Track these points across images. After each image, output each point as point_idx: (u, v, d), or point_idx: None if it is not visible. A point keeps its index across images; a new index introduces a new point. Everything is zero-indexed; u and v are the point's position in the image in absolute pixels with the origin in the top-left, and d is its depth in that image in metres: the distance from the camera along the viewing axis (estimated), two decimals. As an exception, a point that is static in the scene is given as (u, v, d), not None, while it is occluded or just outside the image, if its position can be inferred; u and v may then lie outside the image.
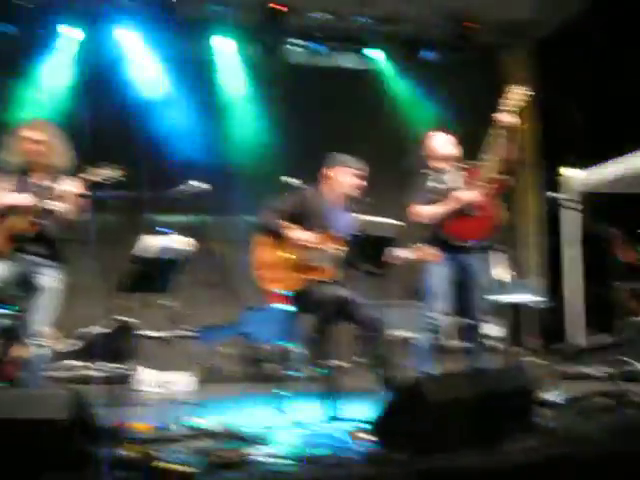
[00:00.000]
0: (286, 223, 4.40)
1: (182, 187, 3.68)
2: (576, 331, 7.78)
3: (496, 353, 6.81)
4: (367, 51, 8.84)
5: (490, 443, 3.13)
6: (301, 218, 4.45)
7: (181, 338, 5.97)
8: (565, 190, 7.73)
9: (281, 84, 8.23)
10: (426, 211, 4.54)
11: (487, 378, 3.60)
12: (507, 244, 9.08)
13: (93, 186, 3.99)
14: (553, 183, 7.56)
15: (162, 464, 2.87)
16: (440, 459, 2.92)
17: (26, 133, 4.33)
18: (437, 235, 4.54)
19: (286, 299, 4.38)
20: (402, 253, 4.28)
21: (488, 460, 3.05)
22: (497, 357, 5.58)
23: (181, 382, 5.73)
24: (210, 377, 6.08)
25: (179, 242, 3.94)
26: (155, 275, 3.76)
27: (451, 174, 4.62)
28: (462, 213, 4.44)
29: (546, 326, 6.95)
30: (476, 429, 3.15)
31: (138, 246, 3.93)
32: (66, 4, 7.56)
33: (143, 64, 7.96)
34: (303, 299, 4.34)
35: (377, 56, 8.87)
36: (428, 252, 4.28)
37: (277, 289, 4.36)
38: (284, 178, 4.29)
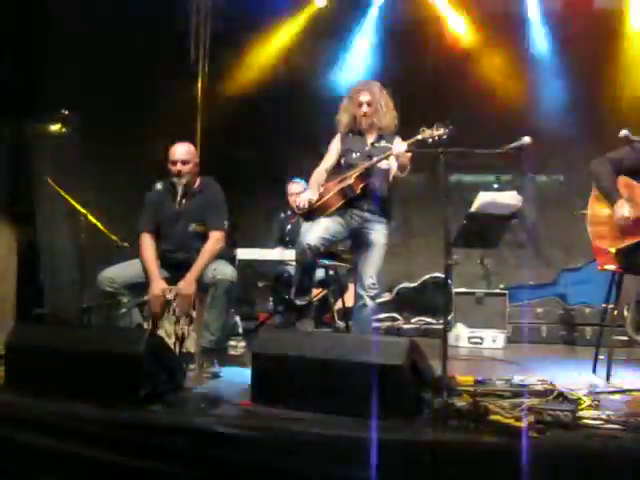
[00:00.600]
0: (622, 180, 4.18)
1: (512, 144, 3.66)
2: None
3: None
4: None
5: None
6: (634, 169, 4.19)
7: (495, 296, 6.02)
8: None
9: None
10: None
11: None
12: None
13: (423, 145, 4.14)
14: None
15: (496, 417, 2.95)
16: None
17: (356, 94, 4.64)
18: None
19: (612, 258, 4.19)
20: None
21: None
22: None
23: (495, 339, 5.80)
24: (523, 337, 6.07)
25: (510, 198, 3.96)
26: (489, 230, 3.83)
27: None
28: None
29: None
30: None
31: (475, 203, 4.02)
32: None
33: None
34: (628, 258, 4.11)
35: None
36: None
37: (605, 246, 4.16)
38: (623, 132, 4.03)
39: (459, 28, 7.93)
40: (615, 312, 4.30)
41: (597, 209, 4.23)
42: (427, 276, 6.93)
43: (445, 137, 4.03)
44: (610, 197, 4.15)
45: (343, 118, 4.71)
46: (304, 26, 7.94)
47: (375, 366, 3.03)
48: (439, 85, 7.50)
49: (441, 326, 6.09)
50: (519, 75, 7.69)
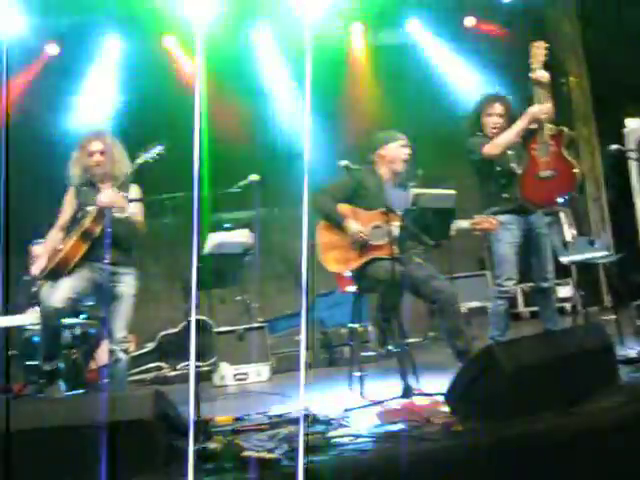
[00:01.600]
0: (341, 207, 4.42)
1: (240, 183, 3.76)
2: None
3: (571, 314, 6.73)
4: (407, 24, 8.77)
5: (571, 405, 3.10)
6: (356, 198, 4.46)
7: (255, 330, 6.06)
8: (626, 141, 7.53)
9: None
10: (503, 137, 4.45)
11: (562, 339, 3.57)
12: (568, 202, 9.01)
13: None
14: (610, 135, 7.36)
15: (249, 453, 2.94)
16: (519, 424, 2.91)
17: (87, 144, 4.48)
18: (508, 198, 4.51)
19: (350, 280, 4.42)
20: (462, 224, 4.24)
21: (570, 422, 3.03)
22: (572, 318, 5.51)
23: (259, 373, 5.83)
24: (286, 366, 6.16)
25: (240, 236, 4.01)
26: (225, 270, 3.84)
27: None
28: (539, 176, 4.36)
29: (617, 281, 6.81)
30: (555, 392, 3.12)
31: (207, 245, 4.02)
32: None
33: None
34: (364, 278, 4.35)
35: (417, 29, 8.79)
36: (487, 221, 4.23)
37: (340, 270, 4.37)
38: (342, 162, 4.28)
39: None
40: (361, 330, 4.50)
41: (327, 236, 4.44)
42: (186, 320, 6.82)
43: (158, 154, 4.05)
44: (337, 222, 4.38)
45: (75, 170, 4.52)
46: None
47: (121, 424, 2.89)
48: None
49: (208, 368, 6.12)
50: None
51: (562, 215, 8.82)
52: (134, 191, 4.43)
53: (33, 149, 7.29)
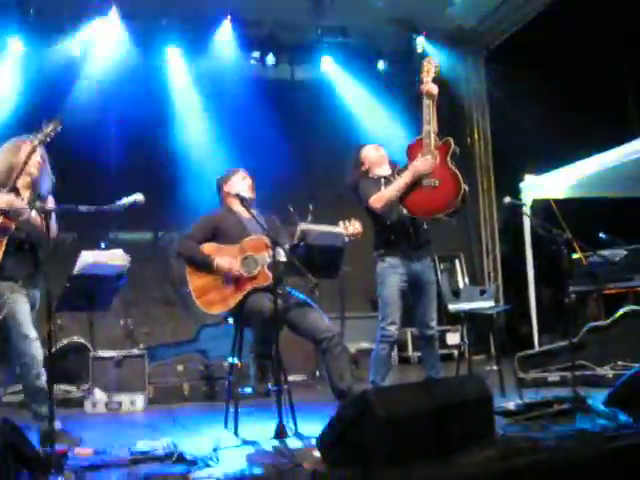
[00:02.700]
0: (205, 247, 4.35)
1: (119, 201, 3.55)
2: (532, 336, 7.79)
3: (454, 361, 6.78)
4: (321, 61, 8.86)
5: (446, 455, 3.03)
6: (218, 235, 4.39)
7: (134, 357, 5.78)
8: (523, 196, 7.77)
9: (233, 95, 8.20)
10: (388, 191, 4.45)
11: (442, 388, 3.51)
12: (463, 251, 9.21)
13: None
14: (508, 189, 7.56)
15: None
16: (392, 474, 2.81)
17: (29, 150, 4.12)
18: (393, 233, 4.50)
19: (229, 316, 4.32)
20: (332, 229, 4.20)
21: (444, 473, 2.96)
22: (457, 366, 5.52)
23: (133, 402, 5.55)
24: (163, 396, 5.91)
25: (113, 258, 3.79)
26: (91, 292, 3.60)
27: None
28: (422, 185, 4.37)
29: (505, 332, 6.93)
30: (431, 441, 3.05)
31: (77, 264, 3.78)
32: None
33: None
34: (243, 312, 4.22)
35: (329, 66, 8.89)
36: (353, 225, 4.23)
37: (221, 310, 4.24)
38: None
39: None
40: (241, 365, 4.35)
41: (198, 282, 4.33)
42: (65, 341, 6.44)
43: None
44: (205, 262, 4.29)
45: None
46: None
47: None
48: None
49: (81, 394, 5.78)
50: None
51: (457, 262, 9.01)
52: (51, 201, 4.19)
53: None
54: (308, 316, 4.20)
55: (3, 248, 3.97)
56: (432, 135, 4.41)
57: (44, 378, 4.01)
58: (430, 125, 4.42)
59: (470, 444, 3.19)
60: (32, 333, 4.01)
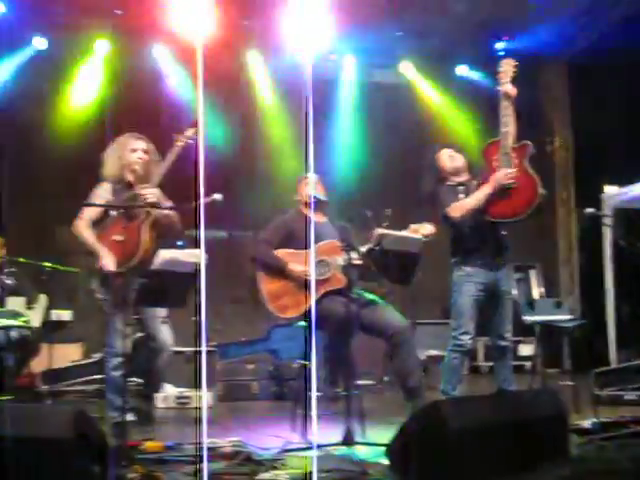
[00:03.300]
0: (278, 253, 4.40)
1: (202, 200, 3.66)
2: (611, 352, 7.54)
3: (528, 375, 6.61)
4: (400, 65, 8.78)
5: (517, 474, 2.94)
6: (291, 240, 4.43)
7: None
8: (603, 207, 7.53)
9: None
10: (467, 202, 4.39)
11: (516, 402, 3.42)
12: (539, 261, 8.98)
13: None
14: (587, 200, 7.35)
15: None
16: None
17: (131, 143, 4.43)
18: (471, 240, 4.43)
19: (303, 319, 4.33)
20: (410, 234, 4.16)
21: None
22: (529, 379, 5.38)
23: (202, 399, 5.62)
24: (232, 394, 5.96)
25: (190, 256, 3.85)
26: (166, 289, 3.67)
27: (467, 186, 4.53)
28: (502, 191, 4.29)
29: (580, 347, 6.73)
30: (502, 458, 2.96)
31: (155, 261, 3.87)
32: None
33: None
34: (317, 315, 4.22)
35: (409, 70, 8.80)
36: (424, 228, 4.20)
37: (295, 314, 4.26)
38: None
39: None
40: (310, 367, 4.33)
41: (270, 287, 4.38)
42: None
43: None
44: (279, 266, 4.35)
45: (112, 167, 4.46)
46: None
47: (34, 441, 2.68)
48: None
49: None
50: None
51: (531, 273, 8.80)
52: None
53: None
54: (377, 313, 4.19)
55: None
56: (510, 137, 4.33)
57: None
58: (507, 127, 4.35)
59: (543, 462, 3.10)
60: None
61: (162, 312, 4.39)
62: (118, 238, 4.16)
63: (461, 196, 4.46)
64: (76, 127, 7.41)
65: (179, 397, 5.62)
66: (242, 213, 7.53)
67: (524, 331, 7.42)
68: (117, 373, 4.19)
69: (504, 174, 4.27)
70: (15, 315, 5.20)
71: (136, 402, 4.42)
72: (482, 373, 8.07)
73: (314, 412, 3.80)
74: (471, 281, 4.40)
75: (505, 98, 4.39)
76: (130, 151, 4.41)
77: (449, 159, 4.63)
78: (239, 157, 7.98)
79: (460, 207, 4.40)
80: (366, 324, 4.24)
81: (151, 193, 4.20)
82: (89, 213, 4.34)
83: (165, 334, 4.41)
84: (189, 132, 4.29)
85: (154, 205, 4.13)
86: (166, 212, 4.20)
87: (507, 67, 4.47)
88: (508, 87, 4.40)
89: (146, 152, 4.43)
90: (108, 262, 4.13)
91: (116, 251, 4.15)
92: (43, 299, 4.91)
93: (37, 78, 7.60)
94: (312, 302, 4.01)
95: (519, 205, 4.28)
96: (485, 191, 4.32)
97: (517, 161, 4.31)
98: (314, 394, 3.65)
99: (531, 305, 6.90)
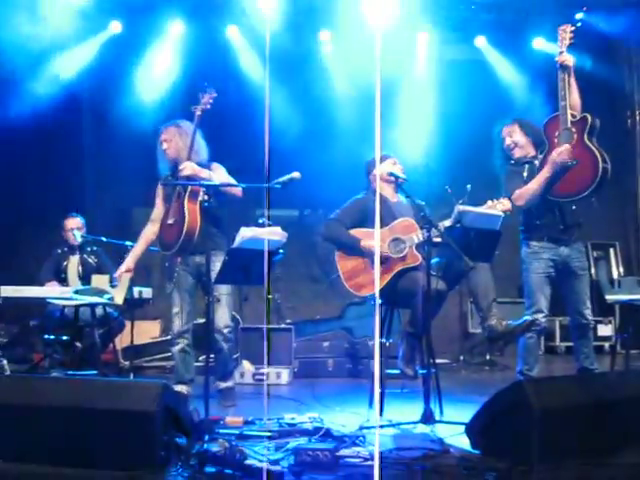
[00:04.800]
0: (353, 231, 4.37)
1: (280, 179, 3.70)
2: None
3: (609, 354, 6.45)
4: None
5: (602, 455, 2.88)
6: (366, 220, 4.37)
7: (281, 331, 5.93)
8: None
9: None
10: (529, 188, 4.27)
11: (601, 383, 3.34)
12: (616, 238, 8.70)
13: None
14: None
15: (252, 461, 2.81)
16: (542, 471, 2.71)
17: (160, 136, 4.62)
18: (538, 215, 4.33)
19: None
20: (490, 210, 4.08)
21: (599, 474, 2.82)
22: (610, 359, 5.25)
23: (279, 375, 5.70)
24: (308, 371, 6.02)
25: (271, 233, 3.88)
26: (249, 266, 3.71)
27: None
28: (562, 170, 4.16)
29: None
30: (586, 440, 2.91)
31: (237, 239, 3.91)
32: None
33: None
34: (394, 293, 4.20)
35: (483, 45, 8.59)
36: (501, 204, 4.09)
37: (371, 292, 4.25)
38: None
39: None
40: (388, 345, 4.34)
41: (346, 265, 4.36)
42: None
43: None
44: (353, 245, 4.32)
45: (161, 163, 4.65)
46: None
47: (123, 413, 2.77)
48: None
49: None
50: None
51: (611, 251, 8.54)
52: (217, 167, 4.58)
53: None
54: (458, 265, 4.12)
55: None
56: (568, 111, 4.16)
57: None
58: (566, 100, 4.16)
59: (629, 445, 3.03)
60: None
61: (221, 290, 4.45)
62: (170, 221, 4.38)
63: (525, 175, 4.35)
64: (151, 111, 7.50)
65: (255, 374, 5.70)
66: (312, 194, 7.53)
67: (602, 311, 7.24)
68: (177, 349, 4.53)
69: (558, 153, 4.14)
70: (100, 292, 5.37)
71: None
72: (559, 353, 7.91)
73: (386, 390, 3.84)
74: (540, 258, 4.30)
75: (562, 69, 4.19)
76: (159, 143, 4.64)
77: (507, 135, 4.52)
78: (309, 139, 7.95)
79: (522, 195, 4.28)
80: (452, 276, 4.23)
81: (184, 166, 4.37)
82: (155, 213, 4.69)
83: (219, 313, 4.46)
84: (205, 99, 4.43)
85: (191, 178, 4.32)
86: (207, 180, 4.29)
87: (563, 34, 4.26)
88: (564, 56, 4.20)
89: (165, 141, 4.58)
90: (121, 268, 4.73)
91: (170, 234, 4.36)
92: (125, 277, 5.04)
93: (114, 62, 7.73)
94: (376, 282, 4.02)
95: (581, 182, 4.12)
96: (544, 175, 4.20)
97: (577, 135, 4.15)
98: (376, 371, 3.69)
99: (612, 284, 6.74)
